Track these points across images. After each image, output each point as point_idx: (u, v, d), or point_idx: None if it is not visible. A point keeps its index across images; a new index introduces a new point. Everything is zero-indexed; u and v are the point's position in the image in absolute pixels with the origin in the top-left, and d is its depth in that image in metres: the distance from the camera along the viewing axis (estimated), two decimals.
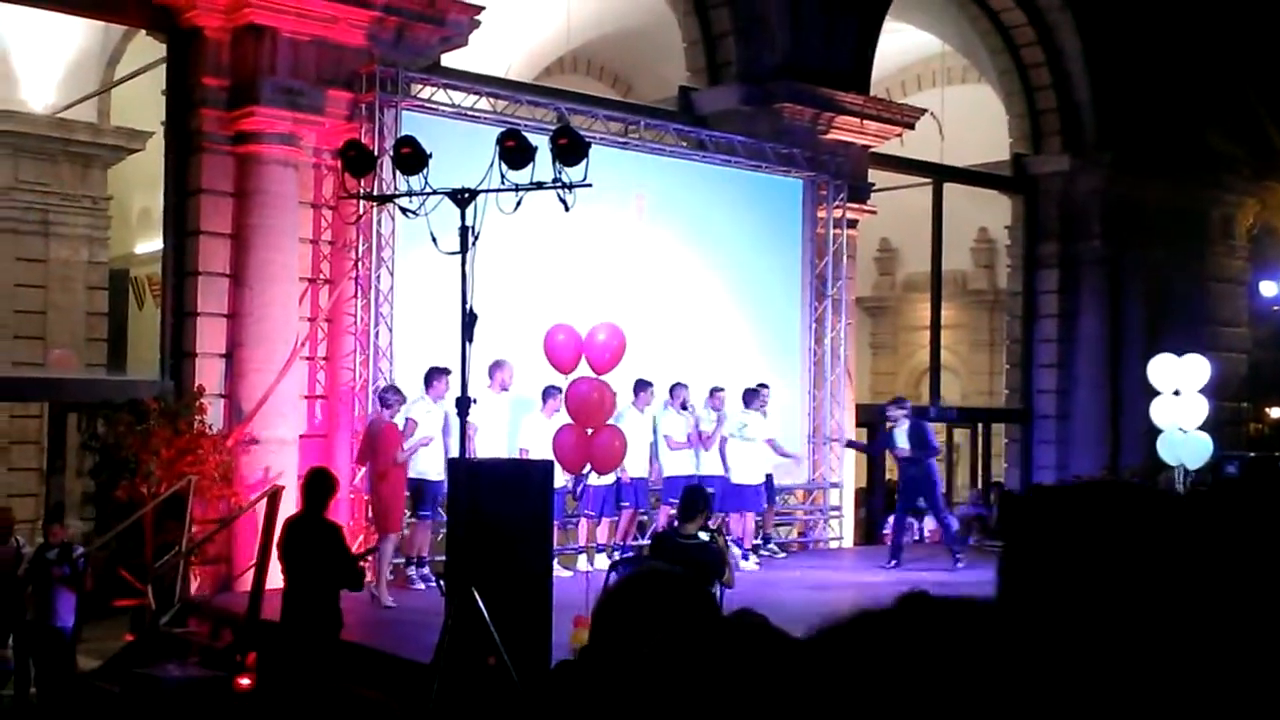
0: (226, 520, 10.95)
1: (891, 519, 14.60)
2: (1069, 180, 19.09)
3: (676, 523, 8.60)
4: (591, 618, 2.16)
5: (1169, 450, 14.83)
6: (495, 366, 11.73)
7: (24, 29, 14.59)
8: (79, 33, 14.74)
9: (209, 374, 11.52)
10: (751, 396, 13.54)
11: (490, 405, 11.45)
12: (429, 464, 11.32)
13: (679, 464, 13.16)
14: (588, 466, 11.04)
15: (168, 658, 9.45)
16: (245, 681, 8.89)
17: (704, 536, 8.29)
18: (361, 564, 8.79)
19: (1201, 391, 14.71)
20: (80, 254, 15.60)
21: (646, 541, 13.37)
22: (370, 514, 11.34)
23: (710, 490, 10.62)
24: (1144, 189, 18.90)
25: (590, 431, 10.62)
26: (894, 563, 13.39)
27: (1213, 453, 15.11)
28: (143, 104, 13.47)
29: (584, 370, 10.66)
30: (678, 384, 13.24)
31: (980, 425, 20.17)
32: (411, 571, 11.56)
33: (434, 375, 11.29)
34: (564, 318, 11.50)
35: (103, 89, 15.52)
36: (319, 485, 8.35)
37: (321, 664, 8.14)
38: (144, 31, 12.66)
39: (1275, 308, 22.58)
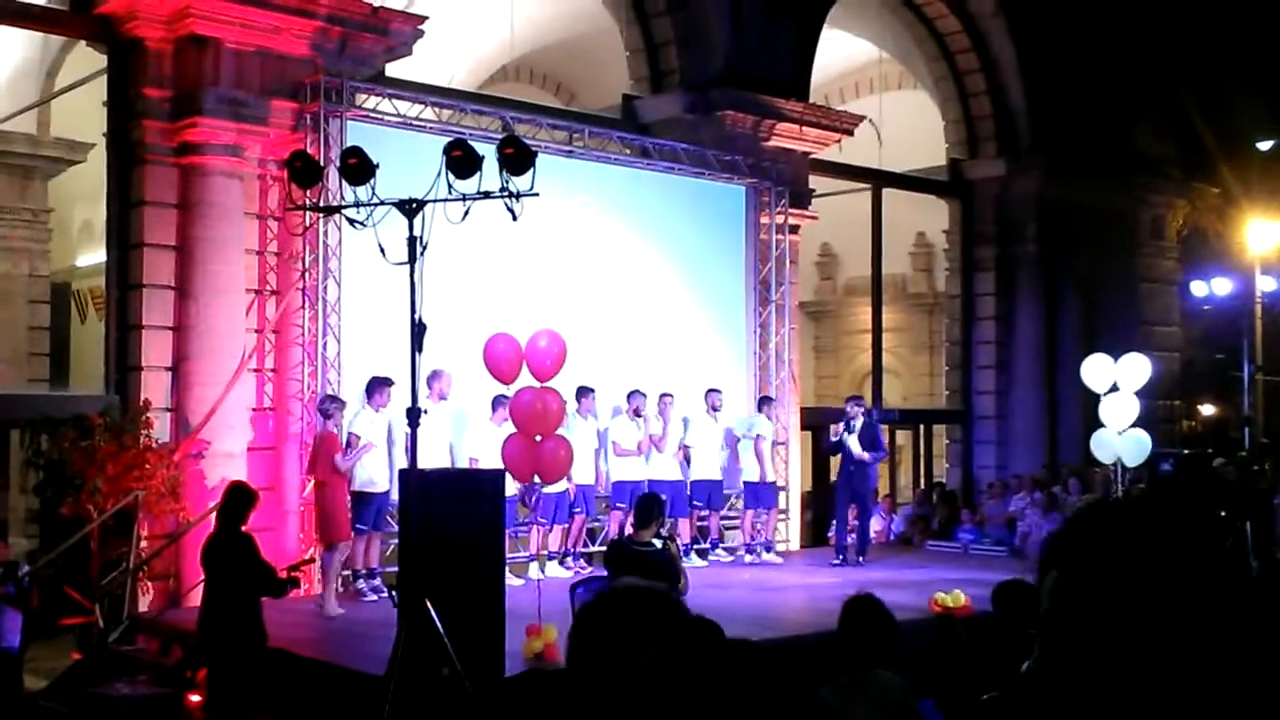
0: (175, 535, 10.88)
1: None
2: (1004, 184, 19.43)
3: (632, 530, 8.67)
4: (570, 635, 2.21)
5: (1103, 449, 15.10)
6: (433, 376, 11.74)
7: None
8: (17, 44, 14.54)
9: (155, 388, 11.43)
10: (764, 402, 14.61)
11: (429, 415, 11.43)
12: (373, 475, 11.31)
13: (626, 470, 13.28)
14: (537, 476, 11.10)
15: (117, 676, 9.37)
16: (196, 698, 8.86)
17: (657, 543, 8.40)
18: (295, 574, 8.79)
19: (1136, 391, 15.02)
20: (21, 267, 15.39)
21: (598, 548, 13.46)
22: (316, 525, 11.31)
23: (663, 497, 10.72)
24: (1077, 192, 19.27)
25: (538, 439, 10.65)
26: (840, 559, 13.78)
27: (1149, 450, 15.42)
28: (83, 115, 13.33)
29: (526, 378, 10.69)
30: (634, 391, 13.40)
31: (921, 426, 20.46)
32: (361, 584, 11.53)
33: (376, 386, 11.29)
34: (511, 326, 11.52)
35: (42, 100, 15.32)
36: (234, 499, 8.39)
37: (247, 674, 8.17)
38: (84, 42, 12.53)
39: (1206, 307, 23.10)
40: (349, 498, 11.01)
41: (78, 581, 10.37)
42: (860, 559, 13.86)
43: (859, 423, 13.74)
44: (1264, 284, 22.37)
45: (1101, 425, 14.97)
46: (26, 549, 11.99)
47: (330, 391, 11.63)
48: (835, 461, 14.54)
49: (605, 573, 8.38)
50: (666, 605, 2.15)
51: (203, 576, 8.62)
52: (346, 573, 11.43)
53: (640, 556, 8.09)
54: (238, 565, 8.16)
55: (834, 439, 14.09)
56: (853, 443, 13.68)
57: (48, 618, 10.22)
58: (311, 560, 10.23)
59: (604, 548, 13.36)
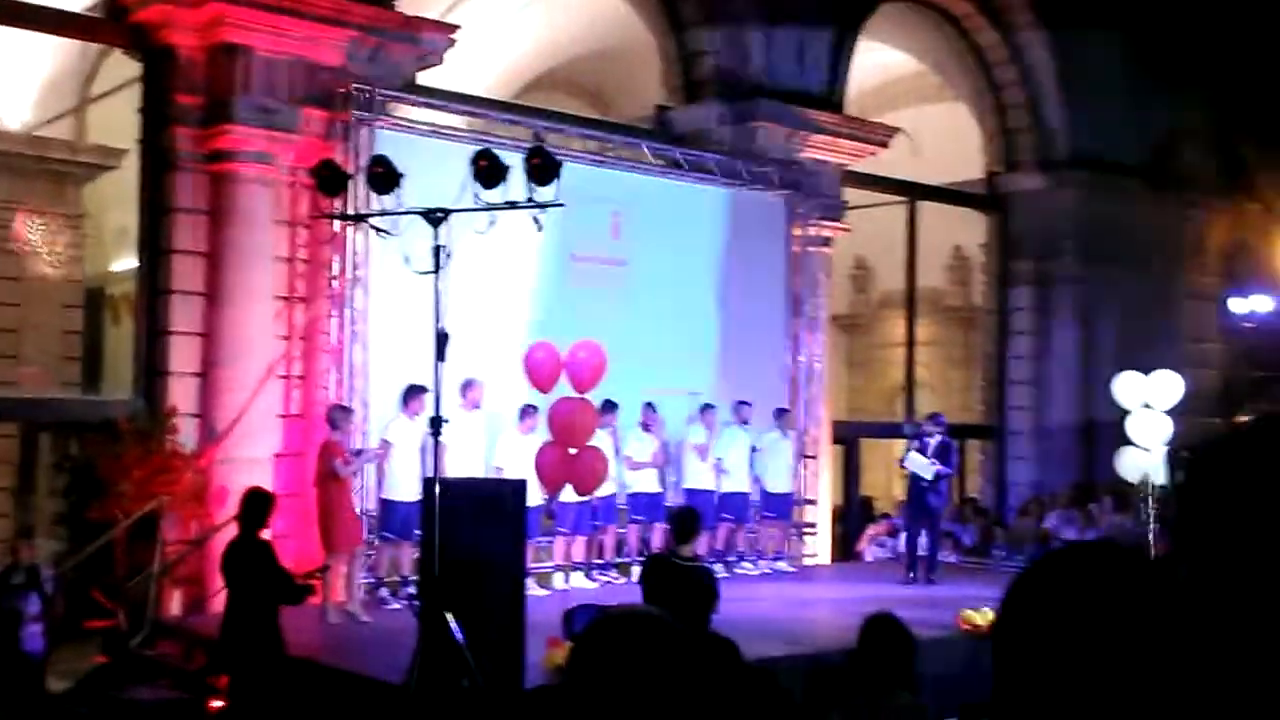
0: (199, 541, 10.91)
1: (904, 536, 14.90)
2: (1042, 198, 19.22)
3: (670, 544, 8.43)
4: (568, 665, 2.13)
5: (1129, 467, 14.85)
6: (467, 385, 11.72)
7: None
8: (55, 51, 14.70)
9: (183, 393, 11.47)
10: (780, 414, 14.55)
11: (462, 423, 11.43)
12: (400, 483, 11.29)
13: (643, 482, 13.23)
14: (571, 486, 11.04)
15: (139, 680, 9.40)
16: (217, 704, 8.86)
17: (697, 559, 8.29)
18: (312, 580, 8.75)
19: (1170, 408, 14.76)
20: (56, 272, 15.52)
21: (623, 560, 13.40)
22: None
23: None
24: (1116, 206, 19.03)
25: (573, 451, 10.59)
26: (912, 575, 13.54)
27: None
28: (119, 122, 13.44)
29: (563, 388, 10.65)
30: (647, 404, 13.33)
31: (955, 441, 20.23)
32: (384, 592, 11.52)
33: (411, 393, 11.28)
34: (538, 336, 11.50)
35: (78, 107, 15.47)
36: (252, 505, 8.39)
37: (266, 681, 8.15)
38: (120, 50, 12.62)
39: (1246, 324, 22.75)
40: (352, 504, 10.94)
41: (103, 585, 10.41)
42: (931, 578, 13.48)
43: (934, 441, 13.58)
44: None
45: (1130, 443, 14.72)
46: (54, 551, 12.04)
47: (358, 398, 11.64)
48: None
49: (641, 587, 8.21)
50: (669, 632, 2.07)
51: (224, 583, 8.64)
52: (369, 580, 11.43)
53: (685, 572, 7.95)
54: (255, 572, 8.16)
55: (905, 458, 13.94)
56: (915, 460, 13.56)
57: (73, 620, 10.27)
58: (327, 568, 10.19)
59: (627, 559, 13.37)
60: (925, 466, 13.49)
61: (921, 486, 13.54)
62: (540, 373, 10.71)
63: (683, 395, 13.82)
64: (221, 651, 8.53)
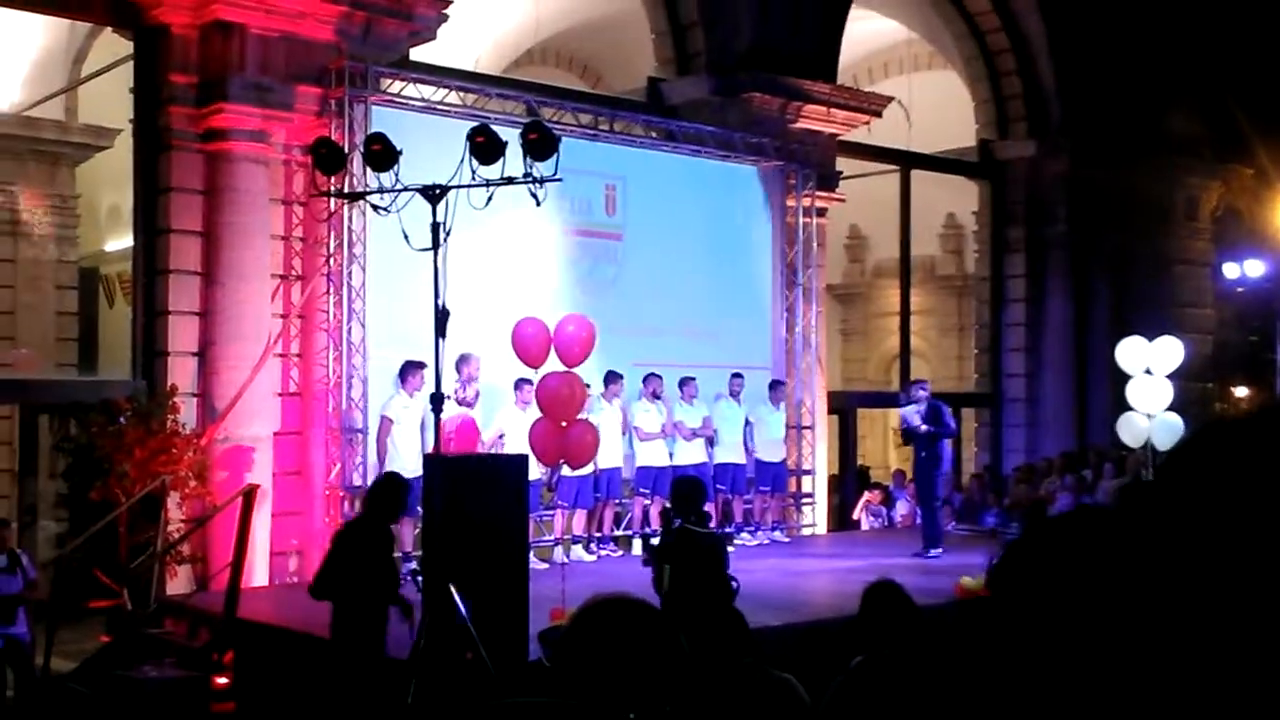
0: (202, 520, 10.95)
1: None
2: (1034, 165, 19.25)
3: (693, 517, 8.36)
4: (555, 652, 2.17)
5: (1130, 432, 14.92)
6: (462, 361, 11.74)
7: None
8: (44, 30, 14.61)
9: (182, 373, 11.49)
10: (775, 385, 14.47)
11: (460, 398, 11.48)
12: (405, 460, 11.31)
13: (651, 455, 13.26)
14: (564, 460, 11.08)
15: (144, 659, 9.43)
16: (222, 681, 8.91)
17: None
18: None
19: (1169, 374, 14.84)
20: (49, 253, 15.50)
21: (623, 532, 13.47)
22: None
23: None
24: (1109, 172, 19.07)
25: (564, 425, 10.62)
26: (939, 550, 13.03)
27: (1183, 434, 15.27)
28: (110, 101, 13.38)
29: (554, 363, 10.67)
30: (651, 374, 13.35)
31: (945, 404, 20.30)
32: None
33: (409, 369, 11.30)
34: (535, 310, 11.52)
35: (69, 86, 15.37)
36: (386, 492, 7.94)
37: (364, 679, 7.75)
38: (111, 29, 12.57)
39: (1239, 289, 22.83)
40: None
41: (106, 565, 10.44)
42: (932, 550, 12.90)
43: (923, 406, 13.26)
44: None
45: (1130, 408, 14.80)
46: (55, 532, 12.09)
47: (356, 376, 11.64)
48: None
49: (656, 559, 8.24)
50: (654, 617, 2.12)
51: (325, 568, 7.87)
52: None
53: (712, 541, 8.13)
54: (372, 559, 7.65)
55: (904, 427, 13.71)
56: (906, 411, 13.38)
57: (76, 600, 10.30)
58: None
59: (628, 532, 13.44)
60: (913, 413, 13.24)
61: (920, 456, 13.37)
62: (530, 348, 10.70)
63: (679, 369, 13.82)
64: (334, 647, 7.82)
